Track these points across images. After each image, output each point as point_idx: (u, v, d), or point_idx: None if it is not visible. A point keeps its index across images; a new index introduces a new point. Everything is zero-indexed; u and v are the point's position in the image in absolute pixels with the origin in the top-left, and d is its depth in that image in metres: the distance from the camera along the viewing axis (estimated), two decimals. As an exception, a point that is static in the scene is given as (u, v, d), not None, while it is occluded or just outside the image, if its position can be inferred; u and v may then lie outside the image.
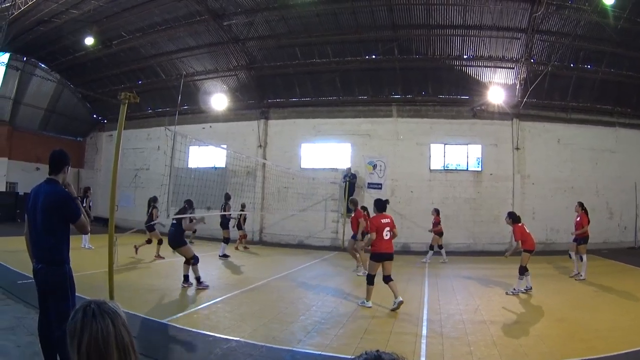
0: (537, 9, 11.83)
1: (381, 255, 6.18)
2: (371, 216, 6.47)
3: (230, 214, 11.70)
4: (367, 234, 9.43)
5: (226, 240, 11.24)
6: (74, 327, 1.26)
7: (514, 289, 7.23)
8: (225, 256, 10.83)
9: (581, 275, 8.59)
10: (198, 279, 7.17)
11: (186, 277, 7.27)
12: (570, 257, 8.90)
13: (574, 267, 8.88)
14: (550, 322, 5.63)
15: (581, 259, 8.64)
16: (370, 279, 6.25)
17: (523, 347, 4.55)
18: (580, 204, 9.15)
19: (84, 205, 10.43)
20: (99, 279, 6.46)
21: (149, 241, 10.30)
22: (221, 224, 11.56)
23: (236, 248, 12.57)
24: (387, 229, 6.19)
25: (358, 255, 9.33)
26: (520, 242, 7.21)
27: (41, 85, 17.65)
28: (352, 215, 9.71)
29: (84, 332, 1.24)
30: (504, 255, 8.02)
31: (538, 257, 9.23)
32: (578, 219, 8.99)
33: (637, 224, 13.98)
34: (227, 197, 11.43)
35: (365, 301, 6.27)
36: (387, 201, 6.73)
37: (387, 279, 6.15)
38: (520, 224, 7.40)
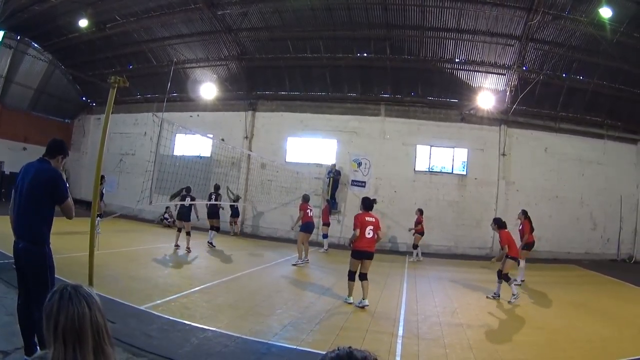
0: (533, 17, 11.78)
1: (361, 253, 6.08)
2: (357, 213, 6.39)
3: (220, 204, 11.83)
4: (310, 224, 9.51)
5: (214, 229, 11.46)
6: (50, 309, 1.29)
7: (513, 296, 6.96)
8: (211, 244, 11.05)
9: (517, 280, 8.43)
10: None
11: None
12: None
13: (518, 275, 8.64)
14: (528, 330, 5.58)
15: (518, 263, 8.49)
16: (351, 276, 6.19)
17: (499, 352, 4.49)
18: (524, 212, 9.03)
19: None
20: (81, 263, 6.29)
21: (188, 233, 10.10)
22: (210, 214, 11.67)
23: (236, 233, 14.07)
24: (371, 227, 6.10)
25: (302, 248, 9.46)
26: (506, 247, 7.10)
27: (33, 65, 17.52)
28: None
29: (60, 314, 1.26)
30: (491, 260, 7.92)
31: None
32: (521, 227, 8.96)
33: (620, 236, 13.86)
34: (217, 187, 11.66)
35: (347, 297, 6.24)
36: (374, 200, 6.61)
37: (362, 277, 6.12)
38: (506, 230, 7.36)
